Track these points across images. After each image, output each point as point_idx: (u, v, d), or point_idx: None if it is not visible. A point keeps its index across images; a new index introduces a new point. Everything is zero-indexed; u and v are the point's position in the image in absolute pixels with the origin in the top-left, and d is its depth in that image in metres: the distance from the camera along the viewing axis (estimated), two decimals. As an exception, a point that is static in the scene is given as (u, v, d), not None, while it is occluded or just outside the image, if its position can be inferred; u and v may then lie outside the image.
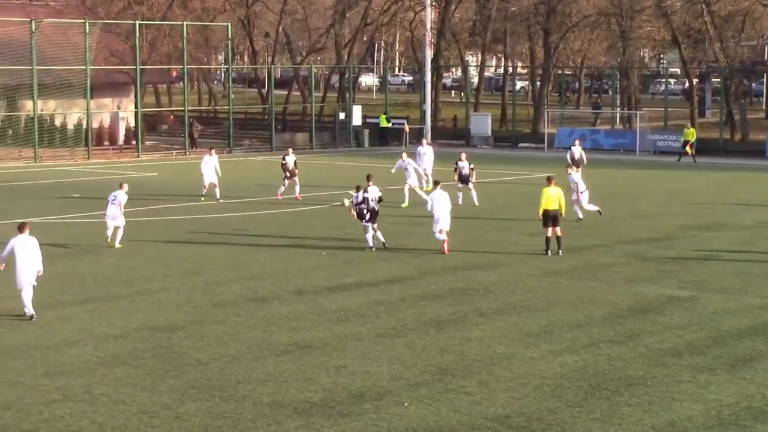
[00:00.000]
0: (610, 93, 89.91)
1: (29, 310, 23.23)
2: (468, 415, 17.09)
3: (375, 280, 27.88)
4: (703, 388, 18.49)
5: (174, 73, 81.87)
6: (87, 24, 65.24)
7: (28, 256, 23.40)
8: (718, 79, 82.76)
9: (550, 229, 31.51)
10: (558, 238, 31.57)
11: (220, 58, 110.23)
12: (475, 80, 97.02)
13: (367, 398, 17.89)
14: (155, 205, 42.43)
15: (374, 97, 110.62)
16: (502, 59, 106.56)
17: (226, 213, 40.82)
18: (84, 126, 66.92)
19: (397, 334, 22.26)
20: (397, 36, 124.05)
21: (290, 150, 46.73)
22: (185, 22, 71.99)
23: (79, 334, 22.17)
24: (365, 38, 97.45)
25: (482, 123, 78.29)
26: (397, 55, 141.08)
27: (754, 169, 60.44)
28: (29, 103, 64.79)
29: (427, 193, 38.52)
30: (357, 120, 77.42)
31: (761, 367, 19.86)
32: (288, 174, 44.88)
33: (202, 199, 44.05)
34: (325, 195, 45.28)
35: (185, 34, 70.14)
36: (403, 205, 41.80)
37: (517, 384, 18.69)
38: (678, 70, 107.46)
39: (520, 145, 77.52)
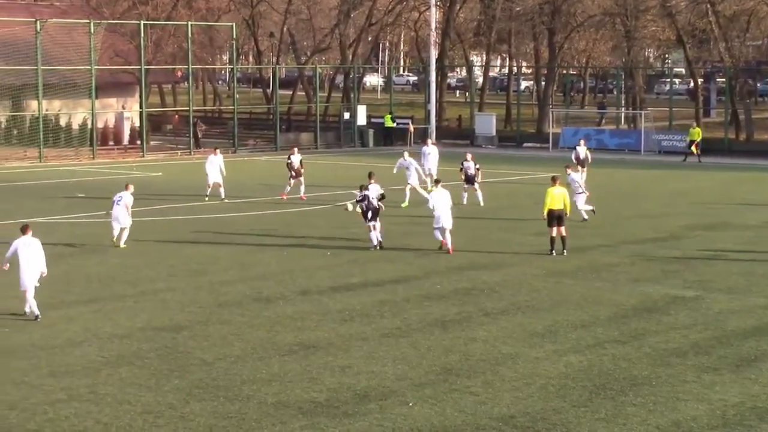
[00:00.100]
0: (615, 93, 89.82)
1: (35, 310, 23.24)
2: (473, 415, 17.09)
3: (380, 280, 27.88)
4: (707, 388, 18.48)
5: (179, 73, 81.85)
6: (92, 24, 65.27)
7: (31, 258, 23.43)
8: (723, 79, 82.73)
9: (554, 229, 31.50)
10: (563, 238, 31.56)
11: (225, 58, 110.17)
12: (480, 80, 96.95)
13: (371, 398, 17.89)
14: (160, 205, 42.44)
15: (379, 97, 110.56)
16: (507, 59, 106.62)
17: (231, 213, 40.83)
18: (89, 126, 66.96)
19: (402, 334, 22.26)
20: (402, 36, 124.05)
21: (295, 149, 46.75)
22: (190, 22, 72.00)
23: (84, 334, 22.19)
24: (370, 38, 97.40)
25: (487, 123, 78.26)
26: (402, 55, 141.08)
27: (759, 169, 60.37)
28: (34, 103, 64.81)
29: (430, 192, 38.54)
30: (362, 120, 77.39)
31: (766, 367, 19.85)
32: (294, 173, 44.88)
33: (206, 199, 44.06)
34: (329, 195, 45.28)
35: (190, 34, 70.17)
36: (404, 205, 41.77)
37: (522, 384, 18.69)
38: (683, 70, 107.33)
39: (525, 144, 77.49)
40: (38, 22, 63.48)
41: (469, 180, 42.85)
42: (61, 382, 18.73)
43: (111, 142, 70.77)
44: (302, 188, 44.87)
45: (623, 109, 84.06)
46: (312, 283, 27.49)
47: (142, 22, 69.13)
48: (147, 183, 49.41)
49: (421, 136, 69.31)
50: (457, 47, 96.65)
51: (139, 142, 69.35)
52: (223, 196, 44.09)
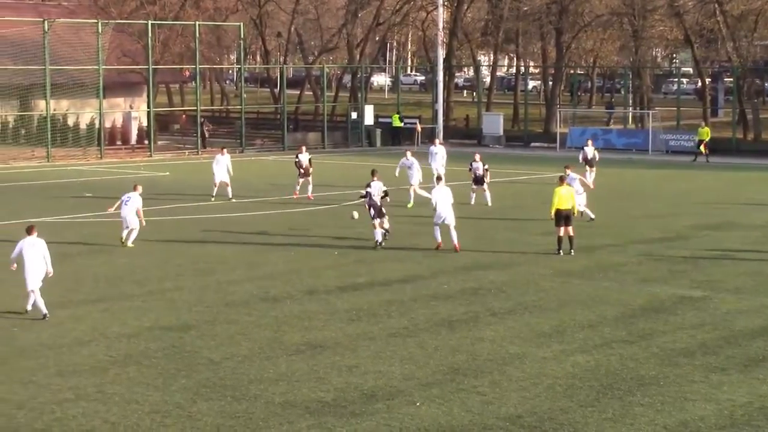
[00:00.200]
0: (623, 93, 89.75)
1: (42, 308, 23.28)
2: (480, 414, 17.09)
3: (387, 280, 27.88)
4: (715, 388, 18.46)
5: (186, 73, 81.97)
6: (99, 24, 65.35)
7: (35, 258, 23.49)
8: (731, 79, 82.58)
9: (562, 229, 31.49)
10: (570, 238, 31.54)
11: (233, 57, 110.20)
12: (487, 80, 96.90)
13: (379, 398, 17.90)
14: (167, 204, 42.48)
15: (386, 96, 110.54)
16: (514, 59, 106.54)
17: (239, 212, 40.86)
18: (96, 126, 67.07)
19: (409, 333, 22.26)
20: (409, 36, 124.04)
21: (303, 148, 46.81)
22: (197, 22, 72.08)
23: (92, 333, 22.22)
24: (377, 38, 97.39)
25: (494, 122, 78.25)
26: (409, 55, 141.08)
27: (767, 168, 60.27)
28: (42, 103, 64.92)
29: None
30: (369, 119, 77.41)
31: (774, 368, 19.84)
32: (302, 171, 44.92)
33: (212, 199, 44.06)
34: (337, 195, 45.29)
35: (197, 34, 70.22)
36: (409, 206, 41.76)
37: (529, 384, 18.68)
38: (690, 70, 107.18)
39: (532, 144, 77.49)
40: (46, 21, 63.56)
41: (478, 180, 42.82)
42: (68, 382, 18.76)
43: (118, 142, 70.88)
44: (310, 188, 44.93)
45: (631, 108, 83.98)
46: (319, 282, 27.50)
47: (150, 21, 69.21)
48: (155, 183, 49.45)
49: (429, 136, 69.39)
50: (465, 47, 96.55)
51: (146, 141, 69.43)
52: (230, 196, 44.13)
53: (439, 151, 47.63)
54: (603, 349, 20.97)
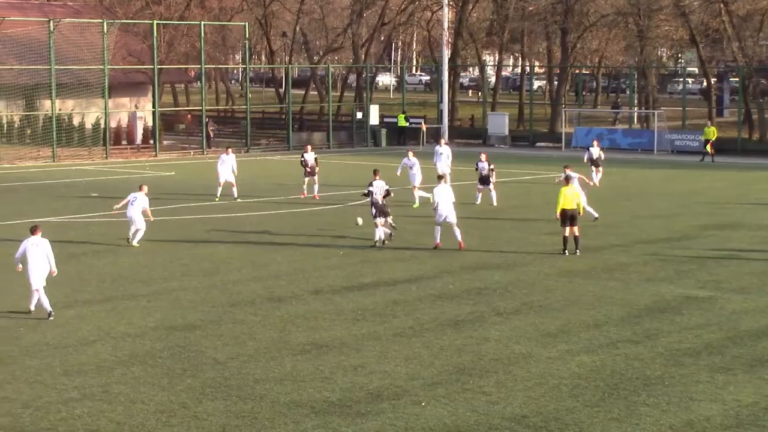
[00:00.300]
0: (628, 92, 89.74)
1: (47, 306, 23.31)
2: (485, 414, 17.08)
3: (392, 280, 27.88)
4: (721, 389, 18.44)
5: (192, 73, 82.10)
6: (105, 24, 65.40)
7: (39, 257, 23.52)
8: (736, 79, 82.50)
9: (567, 229, 31.47)
10: (575, 238, 31.53)
11: (238, 57, 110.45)
12: (493, 80, 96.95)
13: (384, 398, 17.89)
14: (173, 204, 42.50)
15: (391, 96, 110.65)
16: (520, 59, 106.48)
17: (244, 212, 40.88)
18: (102, 125, 67.12)
19: (415, 333, 22.25)
20: (414, 35, 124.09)
21: (309, 147, 46.82)
22: (203, 22, 72.15)
23: (97, 333, 22.24)
24: (382, 38, 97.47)
25: (500, 122, 78.25)
26: (414, 55, 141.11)
27: (773, 168, 60.26)
28: (47, 103, 65.02)
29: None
30: (374, 119, 77.49)
31: (780, 368, 19.82)
32: (308, 170, 44.96)
33: (216, 199, 44.04)
34: (342, 195, 45.29)
35: (203, 34, 70.29)
36: (415, 206, 41.77)
37: (535, 384, 18.67)
38: (696, 70, 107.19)
39: (538, 144, 77.48)
40: (52, 21, 63.65)
41: (484, 180, 42.82)
42: (74, 381, 18.77)
43: (124, 142, 70.94)
44: (316, 187, 44.97)
45: (636, 108, 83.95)
46: (325, 282, 27.50)
47: (155, 21, 69.25)
48: (160, 182, 49.49)
49: (434, 136, 69.37)
50: (470, 47, 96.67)
51: (152, 141, 69.51)
52: (236, 196, 44.14)
53: (444, 151, 47.63)
54: (608, 349, 20.95)
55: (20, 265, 23.91)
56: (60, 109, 66.18)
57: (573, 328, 22.73)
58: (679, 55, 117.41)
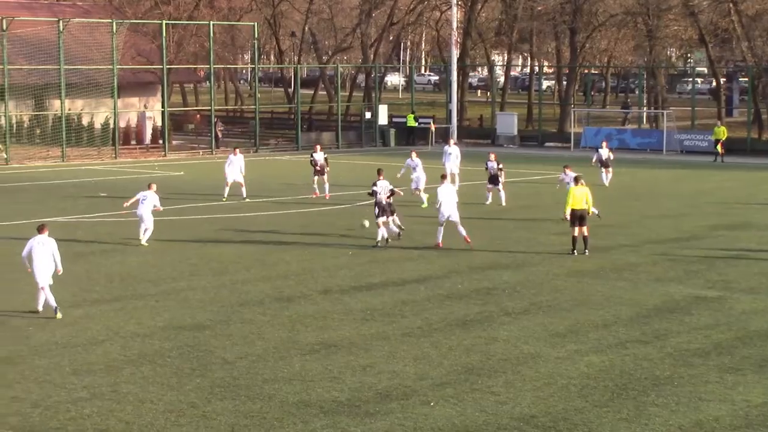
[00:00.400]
0: (637, 92, 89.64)
1: (52, 303, 23.34)
2: (494, 414, 17.07)
3: (401, 280, 27.87)
4: (730, 389, 18.40)
5: (201, 73, 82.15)
6: (114, 24, 65.48)
7: (44, 256, 23.57)
8: (746, 79, 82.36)
9: (576, 229, 31.44)
10: (584, 238, 31.50)
11: (247, 57, 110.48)
12: (501, 80, 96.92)
13: (393, 398, 17.89)
14: (182, 204, 42.53)
15: (400, 96, 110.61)
16: (528, 58, 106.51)
17: (253, 212, 40.90)
18: (111, 125, 67.21)
19: (423, 333, 22.25)
20: (423, 35, 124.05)
21: (318, 147, 46.84)
22: (212, 22, 72.21)
23: (106, 332, 22.26)
24: (391, 37, 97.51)
25: (508, 122, 78.20)
26: (423, 55, 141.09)
27: (782, 168, 60.15)
28: (57, 103, 65.13)
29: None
30: (383, 119, 77.47)
31: (789, 368, 19.77)
32: (318, 169, 44.97)
33: (224, 199, 44.02)
34: (351, 194, 45.29)
35: (212, 34, 70.34)
36: (423, 206, 41.74)
37: (543, 384, 18.66)
38: (705, 70, 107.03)
39: (547, 144, 77.43)
40: (61, 21, 63.77)
41: (493, 180, 42.80)
42: (83, 381, 18.79)
43: (133, 142, 71.02)
44: (327, 187, 45.00)
45: (645, 108, 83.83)
46: (333, 282, 27.51)
47: (164, 21, 69.33)
48: (169, 182, 49.53)
49: (443, 136, 69.32)
50: (479, 47, 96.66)
51: (161, 141, 69.57)
52: (245, 196, 44.16)
53: (453, 151, 47.62)
54: (617, 349, 20.93)
55: (29, 267, 23.93)
56: (69, 109, 66.28)
57: (582, 328, 22.71)
58: (689, 54, 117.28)
